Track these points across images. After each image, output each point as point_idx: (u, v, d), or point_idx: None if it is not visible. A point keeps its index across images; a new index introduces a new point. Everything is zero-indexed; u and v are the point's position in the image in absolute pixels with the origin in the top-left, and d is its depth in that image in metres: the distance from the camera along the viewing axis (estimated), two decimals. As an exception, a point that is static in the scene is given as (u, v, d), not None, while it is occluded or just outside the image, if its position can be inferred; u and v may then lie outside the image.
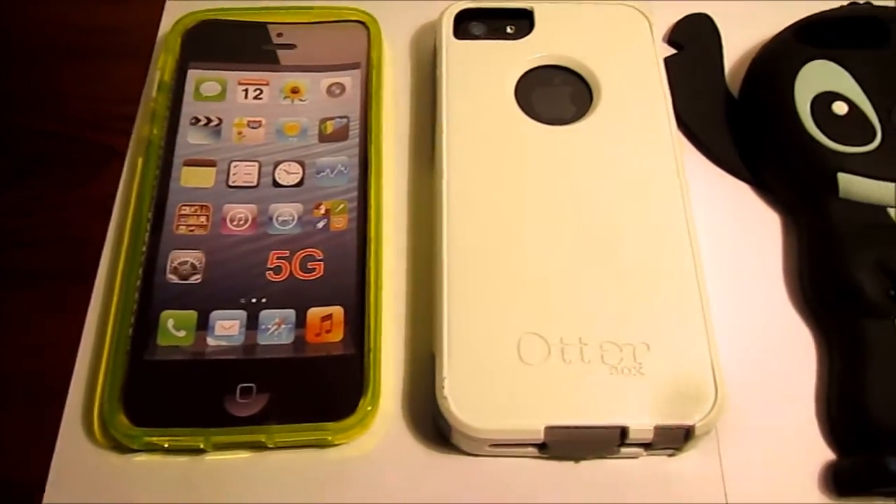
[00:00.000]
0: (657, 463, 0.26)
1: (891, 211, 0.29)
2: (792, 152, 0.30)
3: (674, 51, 0.34)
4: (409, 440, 0.27)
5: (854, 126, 0.30)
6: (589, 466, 0.26)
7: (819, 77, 0.31)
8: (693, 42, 0.34)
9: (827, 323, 0.29)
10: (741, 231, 0.31)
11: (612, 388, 0.25)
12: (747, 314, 0.29)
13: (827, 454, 0.27)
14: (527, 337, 0.26)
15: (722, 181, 0.32)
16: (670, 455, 0.27)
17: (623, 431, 0.25)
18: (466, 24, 0.33)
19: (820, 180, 0.29)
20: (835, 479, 0.26)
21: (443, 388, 0.25)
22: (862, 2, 0.34)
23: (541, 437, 0.25)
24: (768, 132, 0.31)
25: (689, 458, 0.27)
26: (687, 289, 0.27)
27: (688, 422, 0.25)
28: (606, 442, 0.25)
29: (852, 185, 0.29)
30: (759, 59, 0.33)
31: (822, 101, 0.30)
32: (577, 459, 0.26)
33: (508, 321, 0.26)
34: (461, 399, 0.25)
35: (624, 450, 0.26)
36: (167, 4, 0.35)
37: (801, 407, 0.28)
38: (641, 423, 0.25)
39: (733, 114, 0.33)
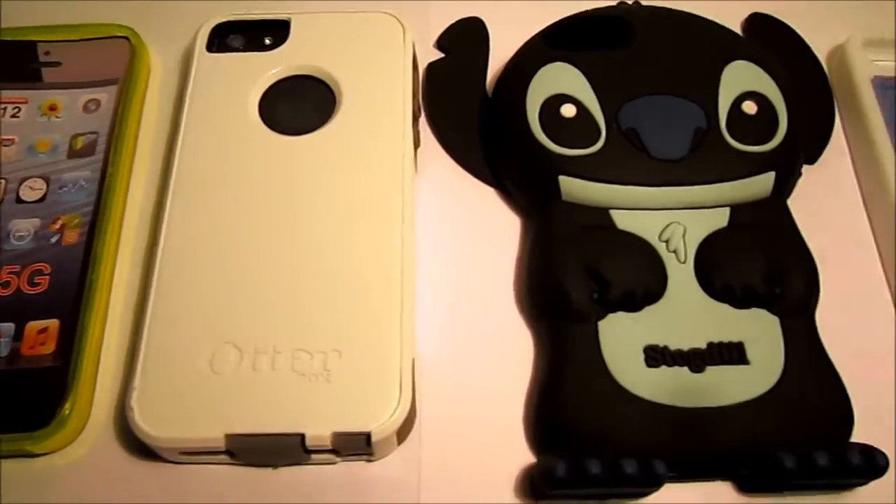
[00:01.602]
0: (355, 468, 0.27)
1: (613, 213, 0.29)
2: (519, 155, 0.30)
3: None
4: (117, 449, 0.27)
5: (579, 128, 0.30)
6: (287, 472, 0.27)
7: (554, 80, 0.31)
8: (459, 46, 0.35)
9: (539, 326, 0.29)
10: (483, 235, 0.31)
11: (297, 395, 0.26)
12: (473, 318, 0.29)
13: (530, 458, 0.27)
14: (223, 347, 0.27)
15: (471, 185, 0.32)
16: (369, 460, 0.27)
17: (302, 439, 0.25)
18: (226, 38, 0.33)
19: (543, 183, 0.29)
20: (529, 482, 0.26)
21: (130, 398, 0.26)
22: (630, 2, 0.34)
23: (222, 445, 0.25)
24: (502, 135, 0.31)
25: (388, 463, 0.27)
26: (388, 297, 0.27)
27: (365, 428, 0.25)
28: (289, 449, 0.26)
29: (573, 187, 0.29)
30: (506, 64, 0.33)
31: (552, 104, 0.30)
32: (274, 466, 0.27)
33: (206, 331, 0.27)
34: (147, 409, 0.26)
35: (317, 456, 0.26)
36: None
37: (512, 411, 0.28)
38: (319, 430, 0.25)
39: (484, 118, 0.33)
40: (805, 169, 0.32)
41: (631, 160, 0.29)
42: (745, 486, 0.26)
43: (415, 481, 0.27)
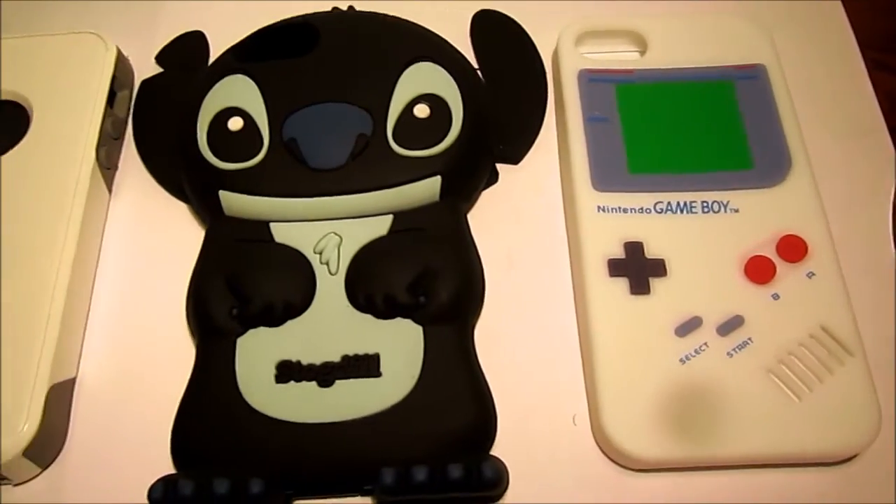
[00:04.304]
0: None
1: (273, 226, 0.29)
2: (187, 171, 0.30)
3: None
4: None
5: (243, 142, 0.29)
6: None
7: (228, 93, 0.30)
8: (176, 62, 0.34)
9: (196, 342, 0.28)
10: (174, 252, 0.31)
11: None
12: (148, 337, 0.29)
13: (172, 474, 0.27)
14: None
15: (169, 203, 0.32)
16: (15, 485, 0.27)
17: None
18: (-61, 66, 0.33)
19: (207, 198, 0.29)
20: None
21: None
22: (345, 7, 0.34)
23: None
24: (179, 152, 0.31)
25: (30, 487, 0.27)
26: (31, 322, 0.27)
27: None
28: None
29: (233, 202, 0.29)
30: (199, 78, 0.32)
31: (222, 118, 0.30)
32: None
33: None
34: None
35: (-44, 482, 0.26)
36: None
37: (167, 431, 0.27)
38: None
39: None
40: (512, 170, 0.32)
41: (288, 172, 0.29)
42: (382, 502, 0.26)
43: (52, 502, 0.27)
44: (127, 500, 0.26)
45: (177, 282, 0.30)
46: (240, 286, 0.27)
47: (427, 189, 0.29)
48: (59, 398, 0.27)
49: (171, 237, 0.31)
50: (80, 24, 0.34)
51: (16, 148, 0.31)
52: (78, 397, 0.28)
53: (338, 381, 0.26)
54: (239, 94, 0.30)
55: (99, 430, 0.28)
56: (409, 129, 0.29)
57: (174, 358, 0.29)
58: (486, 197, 0.31)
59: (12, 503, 0.27)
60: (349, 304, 0.27)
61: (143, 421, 0.28)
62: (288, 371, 0.26)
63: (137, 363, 0.29)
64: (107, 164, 0.31)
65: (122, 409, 0.28)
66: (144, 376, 0.29)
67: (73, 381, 0.28)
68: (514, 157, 0.32)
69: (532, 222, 0.31)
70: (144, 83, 0.34)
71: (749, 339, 0.27)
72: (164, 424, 0.27)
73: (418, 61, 0.30)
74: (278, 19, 0.33)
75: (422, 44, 0.31)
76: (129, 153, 0.33)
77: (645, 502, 0.26)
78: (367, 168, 0.28)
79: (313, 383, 0.26)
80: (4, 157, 0.31)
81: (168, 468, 0.27)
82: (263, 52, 0.31)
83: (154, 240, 0.31)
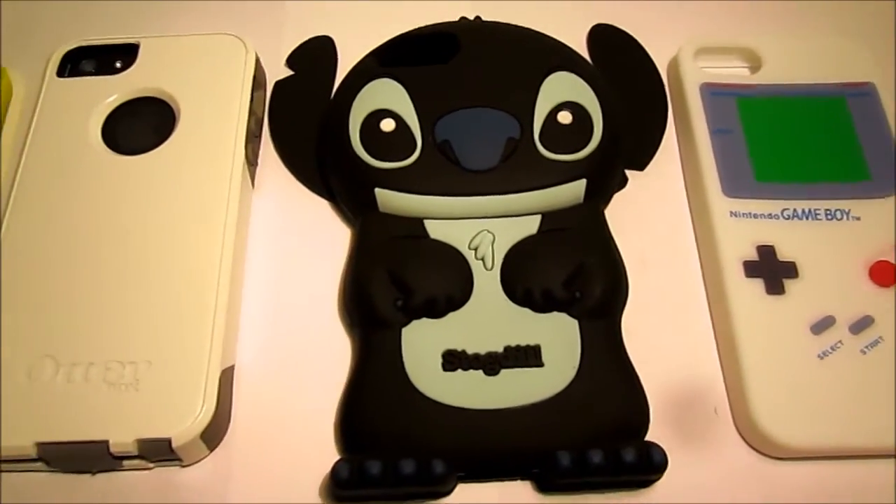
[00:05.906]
0: (167, 473, 0.28)
1: (427, 223, 0.30)
2: (341, 169, 0.31)
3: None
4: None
5: (397, 142, 0.31)
6: (104, 478, 0.28)
7: (377, 96, 0.32)
8: (307, 64, 0.36)
9: (353, 333, 0.30)
10: (316, 246, 0.32)
11: (105, 404, 0.27)
12: (299, 327, 0.30)
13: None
14: (42, 360, 0.28)
15: (308, 199, 0.33)
16: (182, 466, 0.28)
17: (107, 445, 0.26)
18: (78, 62, 0.34)
19: (361, 195, 0.31)
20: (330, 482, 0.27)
21: (-53, 409, 0.27)
22: (472, 17, 0.35)
23: (33, 453, 0.27)
24: (329, 149, 0.32)
25: (199, 468, 0.28)
26: (200, 309, 0.28)
27: (166, 434, 0.26)
28: (97, 456, 0.27)
29: (389, 199, 0.30)
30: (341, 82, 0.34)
31: (373, 119, 0.31)
32: (91, 472, 0.28)
33: (28, 345, 0.28)
34: (-36, 420, 0.27)
35: (128, 462, 0.27)
36: None
37: (327, 417, 0.29)
38: (123, 437, 0.26)
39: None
40: (637, 175, 0.33)
41: (442, 172, 0.30)
42: (542, 486, 0.27)
43: (223, 485, 0.28)
44: (289, 479, 0.28)
45: (318, 273, 0.31)
46: (403, 279, 0.28)
47: (573, 191, 0.30)
48: (226, 383, 0.29)
49: (310, 230, 0.33)
50: (204, 26, 0.36)
51: (165, 143, 0.32)
52: (237, 384, 0.30)
53: (503, 370, 0.27)
54: (388, 96, 0.32)
55: (258, 413, 0.29)
56: (555, 134, 0.31)
57: (323, 346, 0.30)
58: (615, 200, 0.33)
59: (182, 482, 0.28)
60: (506, 298, 0.29)
61: (298, 405, 0.29)
62: (455, 360, 0.28)
63: (287, 351, 0.30)
64: (252, 160, 0.33)
65: (277, 394, 0.29)
66: (295, 363, 0.30)
67: (232, 369, 0.30)
68: (640, 164, 0.33)
69: (660, 224, 0.33)
70: (279, 84, 0.35)
71: (880, 337, 0.29)
72: (319, 408, 0.29)
73: (557, 70, 0.32)
74: (403, 26, 0.35)
75: (558, 54, 0.33)
76: (264, 150, 0.34)
77: (786, 487, 0.28)
78: (518, 170, 0.30)
79: (479, 372, 0.27)
80: (154, 151, 0.32)
81: (327, 450, 0.28)
82: (407, 58, 0.33)
83: (293, 232, 0.33)
